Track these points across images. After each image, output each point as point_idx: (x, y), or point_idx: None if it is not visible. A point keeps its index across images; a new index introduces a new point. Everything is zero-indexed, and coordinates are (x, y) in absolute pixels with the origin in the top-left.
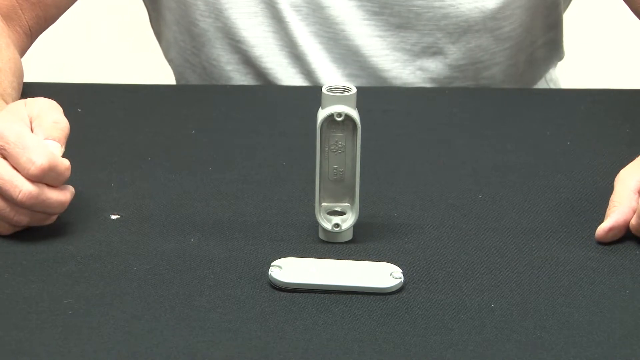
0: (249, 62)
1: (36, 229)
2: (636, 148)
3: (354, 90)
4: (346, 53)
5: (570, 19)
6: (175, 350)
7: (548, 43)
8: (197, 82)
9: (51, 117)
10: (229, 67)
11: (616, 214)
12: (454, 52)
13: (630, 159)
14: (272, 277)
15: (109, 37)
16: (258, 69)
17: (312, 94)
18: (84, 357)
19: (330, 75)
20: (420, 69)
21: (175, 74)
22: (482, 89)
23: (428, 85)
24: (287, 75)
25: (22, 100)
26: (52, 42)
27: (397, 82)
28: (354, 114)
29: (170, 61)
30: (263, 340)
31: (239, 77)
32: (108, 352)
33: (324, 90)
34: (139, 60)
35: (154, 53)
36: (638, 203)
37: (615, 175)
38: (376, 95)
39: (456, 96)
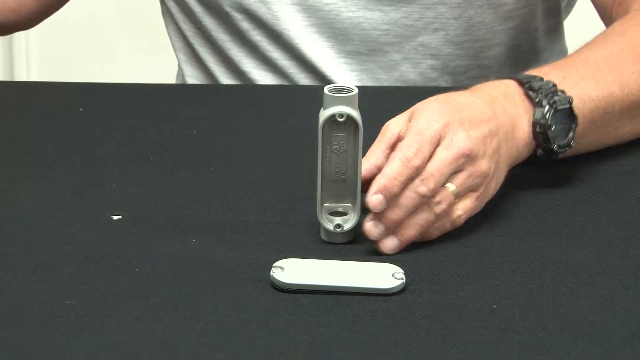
0: (240, 34)
1: (37, 229)
2: (638, 144)
3: (356, 90)
4: (346, 27)
5: (572, 17)
6: (177, 352)
7: (548, 31)
8: (206, 57)
9: None
10: (225, 37)
11: (367, 163)
12: (456, 28)
13: (631, 158)
14: (273, 278)
15: (110, 36)
16: (249, 42)
17: (313, 94)
18: (85, 359)
19: (327, 51)
20: (422, 45)
21: (186, 54)
22: None
23: (429, 61)
24: (276, 49)
25: None
26: (52, 42)
27: (398, 58)
28: (356, 114)
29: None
30: (265, 342)
31: (236, 50)
32: (110, 354)
33: (325, 90)
34: (139, 59)
35: (155, 52)
36: (386, 162)
37: (617, 174)
38: (378, 96)
39: None
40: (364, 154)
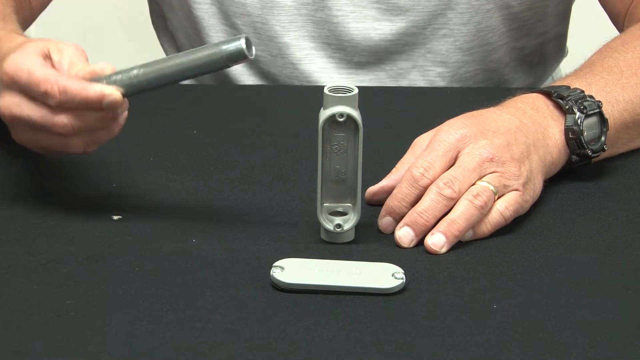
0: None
1: (37, 229)
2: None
3: (356, 90)
4: (355, 39)
5: (573, 14)
6: (177, 352)
7: (558, 37)
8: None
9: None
10: None
11: (387, 179)
12: (465, 34)
13: (631, 157)
14: (274, 277)
15: (110, 36)
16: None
17: (313, 94)
18: (85, 359)
19: (334, 64)
20: (430, 51)
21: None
22: (483, 88)
23: (438, 69)
24: (277, 65)
25: (51, 46)
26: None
27: (406, 66)
28: (356, 114)
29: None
30: (265, 341)
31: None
32: (110, 354)
33: (325, 90)
34: (139, 60)
35: (155, 52)
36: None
37: (617, 174)
38: (378, 96)
39: (458, 96)
40: (364, 154)
